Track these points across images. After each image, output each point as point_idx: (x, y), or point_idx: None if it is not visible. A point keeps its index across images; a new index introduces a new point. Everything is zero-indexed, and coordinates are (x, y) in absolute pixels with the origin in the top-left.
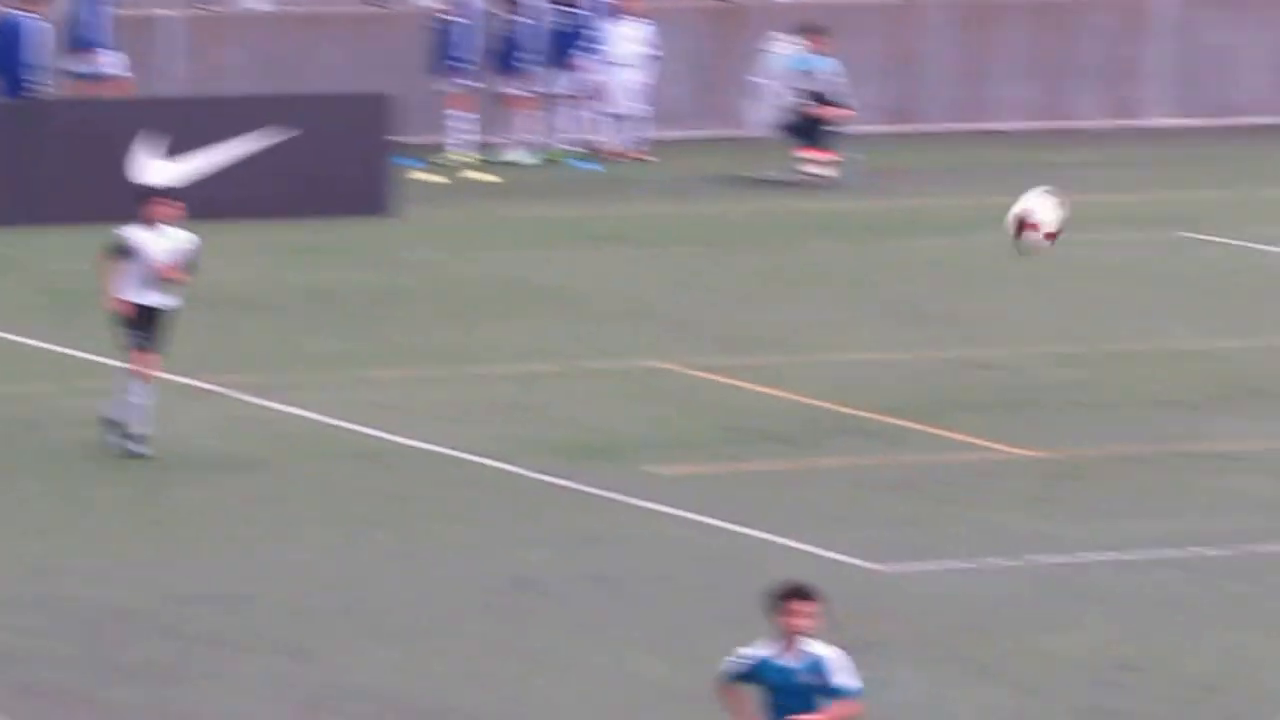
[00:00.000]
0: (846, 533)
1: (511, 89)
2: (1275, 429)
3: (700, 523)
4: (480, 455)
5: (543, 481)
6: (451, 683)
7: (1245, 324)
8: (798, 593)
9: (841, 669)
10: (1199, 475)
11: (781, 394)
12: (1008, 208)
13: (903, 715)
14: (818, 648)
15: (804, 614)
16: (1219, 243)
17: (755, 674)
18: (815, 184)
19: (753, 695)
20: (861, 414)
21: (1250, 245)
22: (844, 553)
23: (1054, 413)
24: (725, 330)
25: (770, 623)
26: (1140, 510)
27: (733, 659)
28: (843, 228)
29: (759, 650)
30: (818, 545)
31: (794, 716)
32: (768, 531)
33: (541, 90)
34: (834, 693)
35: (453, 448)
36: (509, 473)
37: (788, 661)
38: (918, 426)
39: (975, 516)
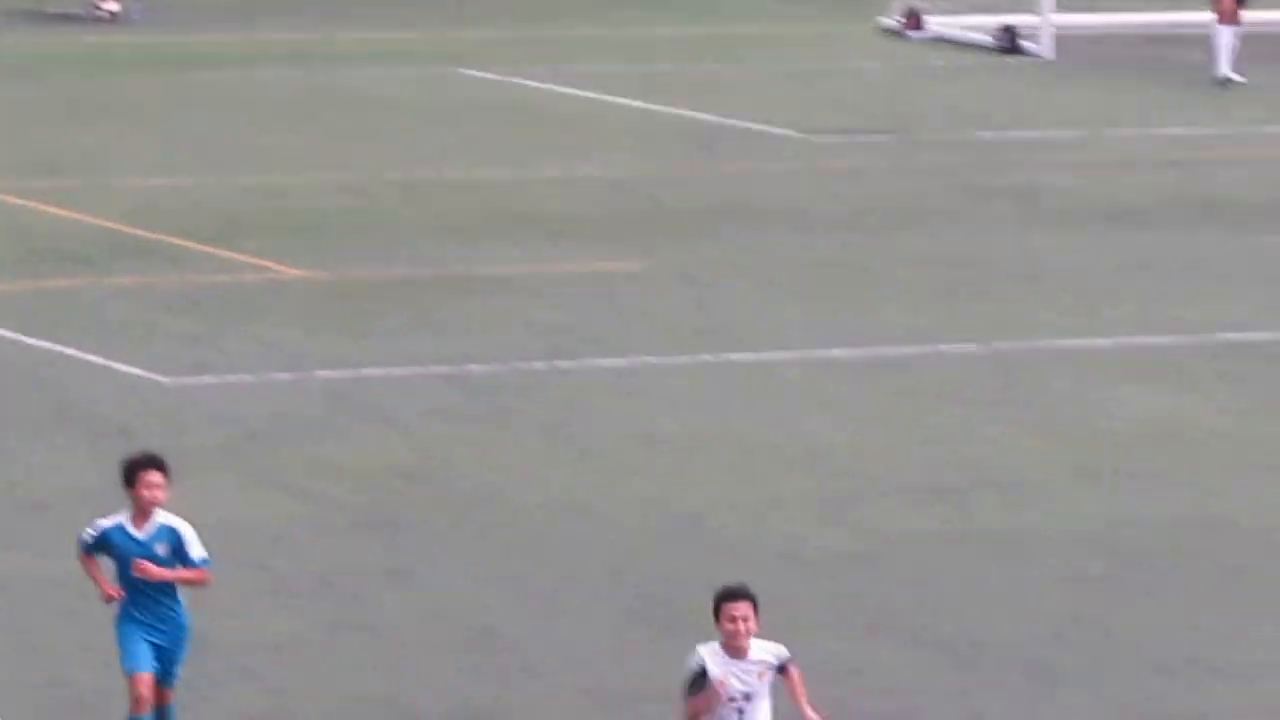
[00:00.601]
0: (138, 348)
1: None
2: (539, 255)
3: (2, 337)
4: None
5: None
6: None
7: (513, 155)
8: (150, 463)
9: (194, 541)
10: (471, 297)
11: (77, 216)
12: (285, 44)
13: (192, 519)
14: (170, 519)
15: (156, 485)
16: (490, 79)
17: (106, 543)
18: (106, 19)
19: (107, 564)
20: (153, 236)
21: (519, 81)
22: (135, 366)
23: (335, 237)
24: (22, 155)
25: (128, 495)
26: (417, 329)
27: (88, 529)
28: (134, 61)
29: (112, 520)
30: (111, 359)
31: (142, 566)
32: (65, 345)
33: None
34: (187, 564)
35: None
36: None
37: (139, 532)
38: (205, 248)
39: (259, 333)
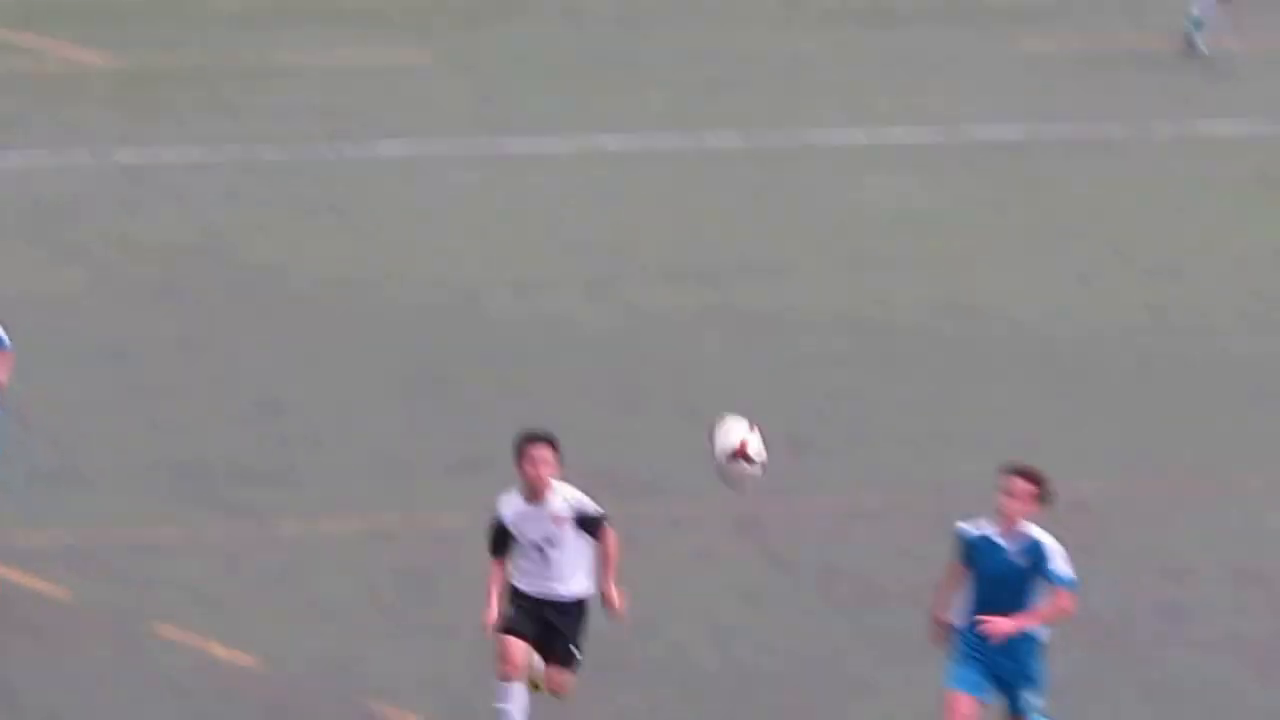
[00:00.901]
0: None
1: None
2: (329, 45)
3: None
4: None
5: None
6: None
7: None
8: None
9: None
10: (264, 84)
11: None
12: None
13: None
14: None
15: None
16: None
17: None
18: None
19: None
20: None
21: None
22: None
23: (135, 24)
24: None
25: None
26: (211, 114)
27: None
28: None
29: None
30: None
31: None
32: None
33: None
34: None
35: None
36: None
37: None
38: (6, 33)
39: (60, 115)
